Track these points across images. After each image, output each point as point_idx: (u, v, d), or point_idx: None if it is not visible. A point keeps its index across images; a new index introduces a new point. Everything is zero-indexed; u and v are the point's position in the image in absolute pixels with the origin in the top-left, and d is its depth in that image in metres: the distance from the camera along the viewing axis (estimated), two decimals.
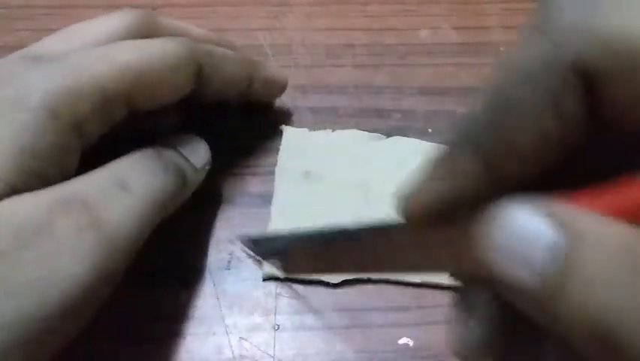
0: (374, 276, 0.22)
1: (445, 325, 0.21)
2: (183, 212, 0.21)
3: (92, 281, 0.15)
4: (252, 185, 0.25)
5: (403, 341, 0.21)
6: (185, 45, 0.20)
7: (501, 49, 0.30)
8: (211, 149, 0.25)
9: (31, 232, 0.15)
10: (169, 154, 0.20)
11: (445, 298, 0.22)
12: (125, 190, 0.17)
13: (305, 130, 0.26)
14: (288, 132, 0.26)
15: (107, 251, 0.16)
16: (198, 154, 0.22)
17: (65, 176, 0.18)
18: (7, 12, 0.29)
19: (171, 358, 0.20)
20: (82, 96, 0.17)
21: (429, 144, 0.26)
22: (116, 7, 0.30)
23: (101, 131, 0.19)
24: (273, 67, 0.26)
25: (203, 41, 0.23)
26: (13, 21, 0.29)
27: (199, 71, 0.21)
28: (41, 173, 0.17)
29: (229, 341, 0.21)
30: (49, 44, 0.20)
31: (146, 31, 0.21)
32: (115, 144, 0.21)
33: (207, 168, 0.22)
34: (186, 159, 0.21)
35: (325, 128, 0.26)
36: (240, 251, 0.23)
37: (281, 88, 0.26)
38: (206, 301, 0.22)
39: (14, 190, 0.16)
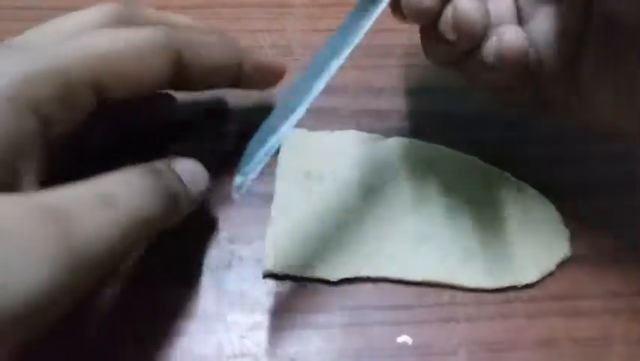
0: (373, 274, 0.22)
1: (445, 323, 0.22)
2: None
3: (49, 293, 0.15)
4: (253, 185, 0.25)
5: (402, 338, 0.21)
6: (159, 31, 0.20)
7: None
8: (212, 149, 0.26)
9: None
10: (165, 176, 0.19)
11: (445, 296, 0.22)
12: (109, 206, 0.16)
13: (305, 130, 0.26)
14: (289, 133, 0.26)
15: (72, 266, 0.15)
16: (196, 180, 0.21)
17: (29, 165, 0.17)
18: (13, 13, 0.30)
19: (172, 356, 0.21)
20: (40, 79, 0.17)
21: (427, 144, 0.26)
22: None
23: (68, 117, 0.18)
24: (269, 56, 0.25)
25: (185, 29, 0.23)
26: (18, 22, 0.29)
27: (178, 58, 0.20)
28: (4, 160, 0.16)
29: (230, 339, 0.21)
30: (28, 36, 0.20)
31: (127, 20, 0.21)
32: (108, 155, 0.21)
33: (202, 196, 0.21)
34: (183, 184, 0.20)
35: (325, 129, 0.26)
36: (240, 250, 0.23)
37: (277, 74, 0.25)
38: (207, 300, 0.22)
39: None
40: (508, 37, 0.19)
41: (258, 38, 0.30)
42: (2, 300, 0.14)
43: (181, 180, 0.20)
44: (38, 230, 0.15)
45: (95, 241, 0.16)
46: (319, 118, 0.27)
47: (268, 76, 0.25)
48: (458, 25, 0.19)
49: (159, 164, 0.20)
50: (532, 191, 0.25)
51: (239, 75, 0.23)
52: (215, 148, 0.26)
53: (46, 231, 0.15)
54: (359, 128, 0.26)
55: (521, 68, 0.20)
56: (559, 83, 0.21)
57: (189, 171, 0.21)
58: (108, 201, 0.16)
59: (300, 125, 0.26)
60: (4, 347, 0.15)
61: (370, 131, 0.26)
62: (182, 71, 0.21)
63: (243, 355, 0.21)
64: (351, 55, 0.21)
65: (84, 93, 0.18)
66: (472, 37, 0.20)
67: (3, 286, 0.14)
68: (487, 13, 0.20)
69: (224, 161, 0.25)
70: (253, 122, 0.26)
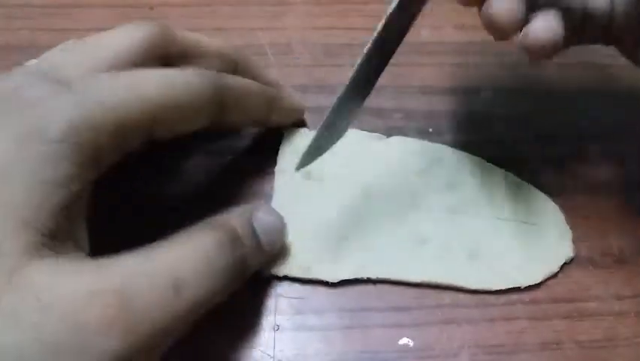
0: (373, 276, 0.22)
1: (446, 325, 0.21)
2: (183, 213, 0.21)
3: None
4: (252, 185, 0.25)
5: (403, 341, 0.21)
6: (209, 80, 0.20)
7: None
8: (212, 149, 0.25)
9: (60, 315, 0.15)
10: (243, 244, 0.19)
11: (445, 298, 0.22)
12: (177, 294, 0.16)
13: (305, 130, 0.26)
14: (288, 132, 0.26)
15: (131, 353, 0.15)
16: (273, 238, 0.20)
17: (85, 209, 0.17)
18: (7, 11, 0.29)
19: (171, 358, 0.20)
20: (103, 128, 0.17)
21: (429, 143, 0.26)
22: (116, 6, 0.30)
23: (117, 160, 0.19)
24: (291, 94, 0.25)
25: (219, 55, 0.23)
26: (13, 20, 0.29)
27: (221, 106, 0.21)
28: (66, 209, 0.16)
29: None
30: (65, 61, 0.19)
31: (163, 46, 0.21)
32: None
33: (273, 255, 0.21)
34: (258, 245, 0.19)
35: None
36: None
37: (298, 116, 0.26)
38: None
39: (46, 235, 0.16)
40: (534, 29, 0.20)
41: (257, 36, 0.30)
42: None
43: (257, 241, 0.19)
44: (102, 318, 0.15)
45: (158, 330, 0.16)
46: (320, 118, 0.26)
47: (290, 118, 0.26)
48: (489, 24, 0.20)
49: (239, 223, 0.19)
50: (535, 191, 0.24)
51: (267, 120, 0.24)
52: (215, 148, 0.25)
53: (109, 320, 0.15)
54: (360, 127, 0.26)
55: (552, 52, 0.20)
56: (630, 34, 0.22)
57: (268, 228, 0.20)
58: (178, 287, 0.16)
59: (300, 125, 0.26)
60: None
61: (371, 130, 0.26)
62: (220, 116, 0.21)
63: (242, 357, 0.20)
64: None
65: (136, 138, 0.19)
66: (502, 34, 0.20)
67: None
68: (519, 11, 0.20)
69: (224, 161, 0.25)
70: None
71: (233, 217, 0.19)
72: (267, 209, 0.21)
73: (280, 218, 0.21)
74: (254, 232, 0.19)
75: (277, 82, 0.26)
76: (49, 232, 0.16)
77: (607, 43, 0.23)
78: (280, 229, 0.21)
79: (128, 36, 0.20)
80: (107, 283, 0.16)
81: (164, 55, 0.21)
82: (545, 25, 0.20)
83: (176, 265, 0.17)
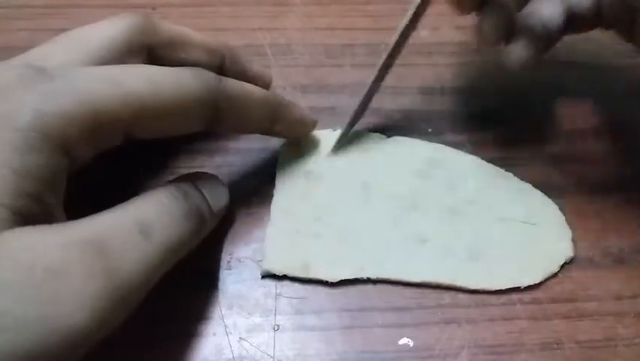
0: (373, 276, 0.22)
1: (446, 325, 0.21)
2: None
3: (91, 328, 0.15)
4: (253, 185, 0.25)
5: (403, 341, 0.21)
6: (203, 81, 0.19)
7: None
8: (212, 149, 0.25)
9: (42, 270, 0.15)
10: (193, 196, 0.19)
11: (446, 298, 0.22)
12: (146, 238, 0.17)
13: None
14: None
15: (114, 301, 0.16)
16: (218, 197, 0.21)
17: (57, 198, 0.17)
18: (7, 12, 0.29)
19: (171, 359, 0.20)
20: (73, 119, 0.17)
21: (429, 143, 0.26)
22: (116, 6, 0.30)
23: (93, 153, 0.18)
24: (302, 107, 0.24)
25: (205, 47, 0.23)
26: (13, 21, 0.29)
27: (214, 111, 0.20)
28: (36, 195, 0.16)
29: (229, 342, 0.21)
30: (49, 53, 0.19)
31: (146, 34, 0.21)
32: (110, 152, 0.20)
33: (223, 212, 0.21)
34: (207, 203, 0.20)
35: (325, 129, 0.26)
36: (239, 251, 0.23)
37: (307, 129, 0.25)
38: (205, 302, 0.22)
39: (19, 215, 0.16)
40: (509, 52, 0.24)
41: (257, 37, 0.30)
42: (45, 335, 0.14)
43: (206, 200, 0.20)
44: (81, 266, 0.15)
45: (134, 275, 0.16)
46: (319, 118, 0.26)
47: (298, 131, 0.24)
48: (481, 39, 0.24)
49: (185, 185, 0.20)
50: (535, 191, 0.24)
51: (270, 130, 0.23)
52: (216, 148, 0.26)
53: (88, 267, 0.15)
54: (360, 127, 0.26)
55: (523, 69, 0.24)
56: (619, 22, 0.24)
57: (212, 188, 0.21)
58: (145, 231, 0.17)
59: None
60: None
61: (371, 130, 0.26)
62: (214, 120, 0.20)
63: (241, 357, 0.20)
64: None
65: (114, 134, 0.18)
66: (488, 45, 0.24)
67: (46, 322, 0.14)
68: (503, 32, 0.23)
69: (224, 161, 0.25)
70: None
71: (176, 182, 0.20)
72: (205, 175, 0.21)
73: (218, 179, 0.22)
74: (197, 188, 0.20)
75: (264, 74, 0.25)
76: (20, 213, 0.16)
77: (604, 28, 0.25)
78: (221, 187, 0.21)
79: (112, 26, 0.20)
80: (80, 235, 0.16)
81: (149, 45, 0.21)
82: (518, 51, 0.23)
83: (139, 214, 0.17)
